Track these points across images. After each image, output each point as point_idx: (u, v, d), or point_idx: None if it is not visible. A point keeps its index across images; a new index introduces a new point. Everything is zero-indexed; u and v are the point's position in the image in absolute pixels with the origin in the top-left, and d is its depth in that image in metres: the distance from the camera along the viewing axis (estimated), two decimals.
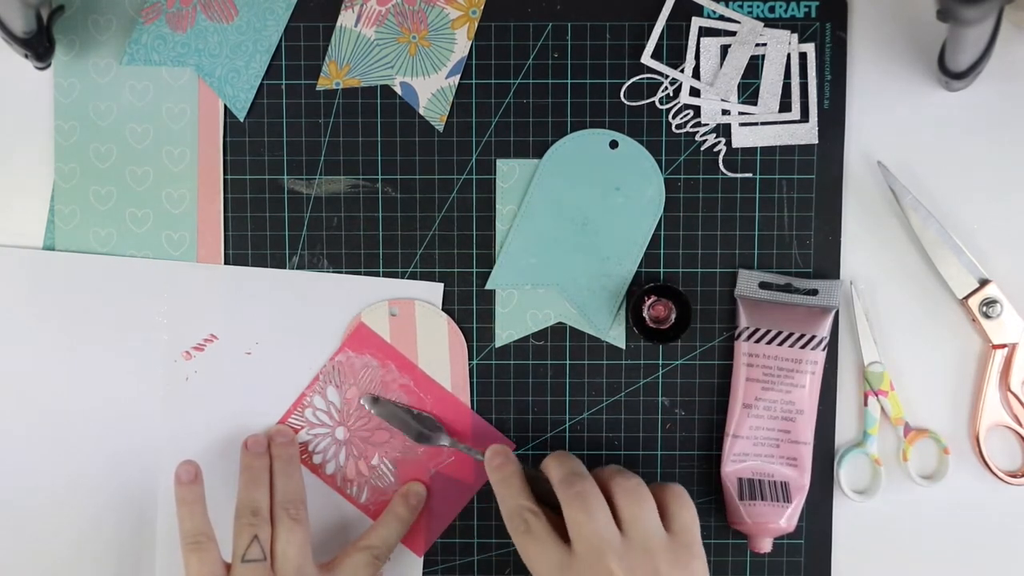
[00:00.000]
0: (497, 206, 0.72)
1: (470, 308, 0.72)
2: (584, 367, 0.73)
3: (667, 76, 0.72)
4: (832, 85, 0.71)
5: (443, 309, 0.72)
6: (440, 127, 0.72)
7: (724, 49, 0.71)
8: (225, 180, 0.72)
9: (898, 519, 0.73)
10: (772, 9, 0.71)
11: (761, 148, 0.72)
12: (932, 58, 0.69)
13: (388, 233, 0.72)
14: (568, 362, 0.73)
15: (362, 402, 0.71)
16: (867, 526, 0.73)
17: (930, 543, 0.73)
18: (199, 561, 0.66)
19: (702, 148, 0.72)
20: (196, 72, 0.72)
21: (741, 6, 0.71)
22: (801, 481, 0.71)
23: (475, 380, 0.73)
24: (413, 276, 0.72)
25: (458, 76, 0.72)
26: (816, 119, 0.72)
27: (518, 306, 0.72)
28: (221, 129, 0.72)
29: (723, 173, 0.72)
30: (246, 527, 0.67)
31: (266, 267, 0.72)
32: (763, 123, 0.72)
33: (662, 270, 0.72)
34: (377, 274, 0.72)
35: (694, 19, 0.71)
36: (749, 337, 0.71)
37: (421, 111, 0.72)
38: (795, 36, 0.71)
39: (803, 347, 0.71)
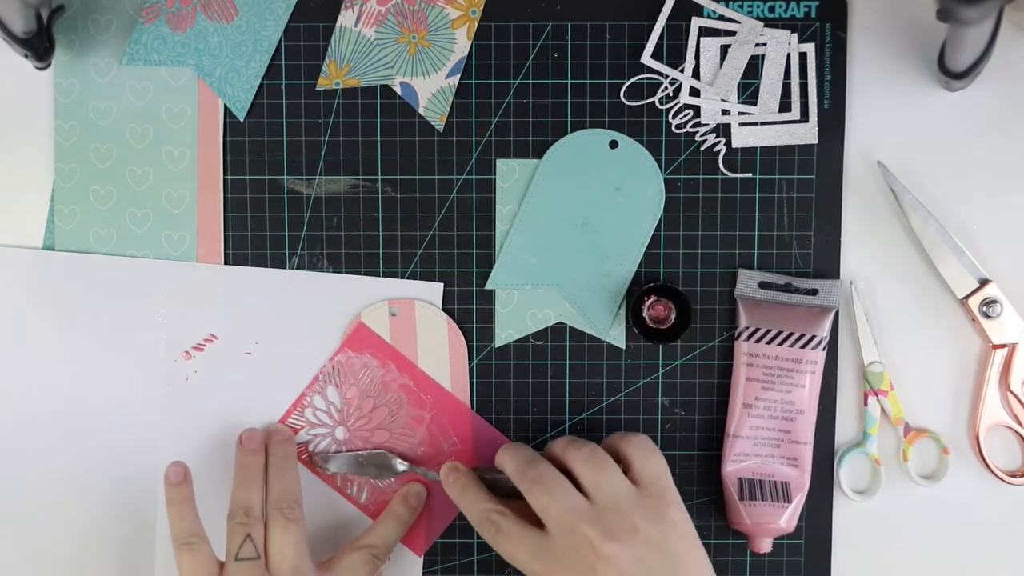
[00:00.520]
0: (497, 206, 0.72)
1: (470, 308, 0.72)
2: (584, 367, 0.73)
3: (667, 76, 0.72)
4: (832, 85, 0.71)
5: (443, 309, 0.72)
6: (440, 127, 0.72)
7: (724, 49, 0.71)
8: (225, 180, 0.72)
9: (898, 519, 0.73)
10: (772, 9, 0.71)
11: (761, 148, 0.72)
12: (932, 58, 0.69)
13: (388, 233, 0.72)
14: (568, 362, 0.73)
15: (317, 465, 0.72)
16: (867, 526, 0.73)
17: (930, 543, 0.73)
18: (191, 561, 0.66)
19: (702, 148, 0.72)
20: (196, 72, 0.72)
21: (741, 6, 0.71)
22: (801, 481, 0.71)
23: (475, 380, 0.73)
24: (413, 276, 0.72)
25: (458, 76, 0.72)
26: (816, 119, 0.71)
27: (518, 306, 0.72)
28: (221, 129, 0.72)
29: (723, 173, 0.72)
30: (239, 526, 0.66)
31: (266, 267, 0.72)
32: (763, 123, 0.72)
33: (662, 270, 0.72)
34: (377, 274, 0.72)
35: (694, 19, 0.71)
36: (749, 337, 0.71)
37: (421, 111, 0.72)
38: (795, 36, 0.71)
39: (803, 347, 0.71)
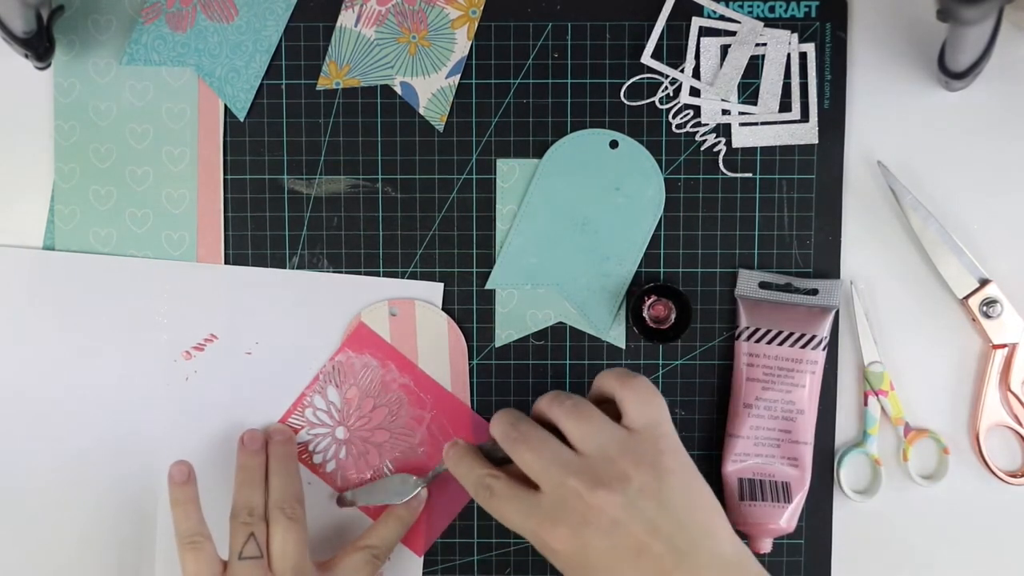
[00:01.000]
0: (497, 206, 0.72)
1: (470, 308, 0.72)
2: (584, 367, 0.73)
3: (667, 76, 0.72)
4: (832, 85, 0.71)
5: (443, 309, 0.72)
6: (440, 127, 0.72)
7: (724, 49, 0.71)
8: (225, 180, 0.72)
9: (898, 519, 0.73)
10: (772, 9, 0.71)
11: (761, 148, 0.72)
12: (932, 58, 0.69)
13: (388, 233, 0.72)
14: (568, 362, 0.73)
15: (341, 506, 0.73)
16: (867, 526, 0.73)
17: (930, 543, 0.73)
18: (195, 560, 0.66)
19: (702, 148, 0.72)
20: (196, 72, 0.72)
21: (741, 6, 0.71)
22: (801, 481, 0.71)
23: (475, 380, 0.73)
24: (413, 276, 0.72)
25: (458, 76, 0.72)
26: (816, 119, 0.72)
27: (518, 306, 0.72)
28: (221, 129, 0.72)
29: (723, 173, 0.72)
30: (242, 526, 0.66)
31: (266, 267, 0.72)
32: (763, 123, 0.72)
33: (662, 270, 0.72)
34: (377, 274, 0.72)
35: (694, 19, 0.71)
36: (749, 337, 0.71)
37: (421, 111, 0.72)
38: (795, 36, 0.71)
39: (803, 347, 0.71)
